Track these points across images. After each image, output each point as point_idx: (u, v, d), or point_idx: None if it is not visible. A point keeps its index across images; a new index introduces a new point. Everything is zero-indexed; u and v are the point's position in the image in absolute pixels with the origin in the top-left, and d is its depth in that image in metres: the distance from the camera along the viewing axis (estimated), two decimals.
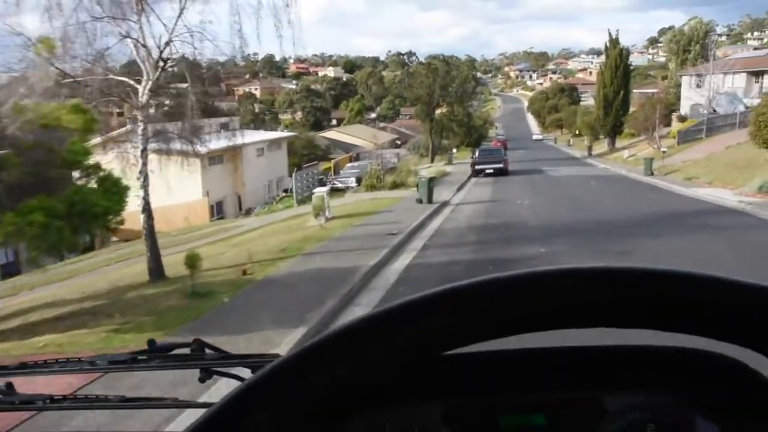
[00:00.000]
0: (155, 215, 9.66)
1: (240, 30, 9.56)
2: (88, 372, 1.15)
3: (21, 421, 2.95)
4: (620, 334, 0.54)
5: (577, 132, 63.37)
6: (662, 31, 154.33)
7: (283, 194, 27.97)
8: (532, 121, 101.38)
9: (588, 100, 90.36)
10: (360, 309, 6.56)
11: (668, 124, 41.28)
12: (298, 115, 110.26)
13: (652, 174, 24.87)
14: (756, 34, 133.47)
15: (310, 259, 9.49)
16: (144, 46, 9.12)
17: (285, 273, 8.69)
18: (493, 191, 21.34)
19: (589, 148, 45.88)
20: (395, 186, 22.67)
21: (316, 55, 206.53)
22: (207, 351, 1.09)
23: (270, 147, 35.94)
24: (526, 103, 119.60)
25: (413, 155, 49.66)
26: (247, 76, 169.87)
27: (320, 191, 14.64)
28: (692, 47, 53.73)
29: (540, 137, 76.02)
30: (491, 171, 28.12)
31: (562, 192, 19.87)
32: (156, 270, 9.18)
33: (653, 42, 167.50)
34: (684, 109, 44.08)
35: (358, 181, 25.84)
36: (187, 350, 1.09)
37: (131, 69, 9.89)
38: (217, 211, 30.24)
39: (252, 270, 8.92)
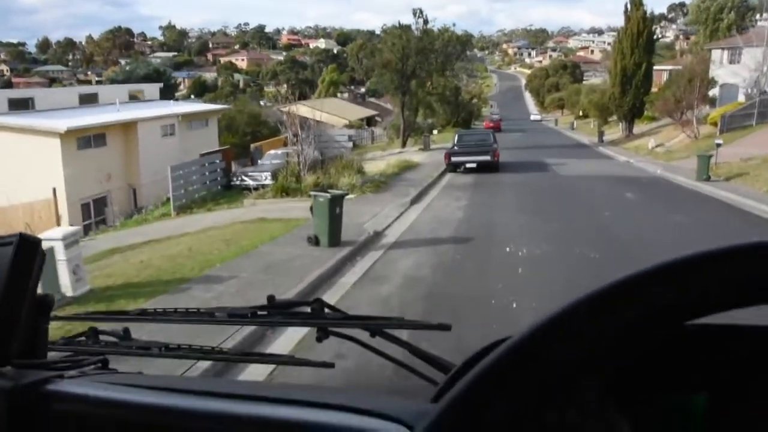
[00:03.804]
0: None
1: None
2: (208, 323, 1.13)
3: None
4: None
5: (581, 113, 55.11)
6: (672, 7, 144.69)
7: (165, 199, 19.35)
8: (530, 100, 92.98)
9: (590, 80, 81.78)
10: None
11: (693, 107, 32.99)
12: (284, 87, 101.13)
13: (708, 178, 16.63)
14: (756, 16, 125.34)
15: None
16: None
17: None
18: (467, 209, 13.04)
19: (601, 134, 37.45)
20: (318, 189, 14.41)
21: (310, 27, 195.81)
22: (326, 311, 1.05)
23: (189, 124, 27.22)
24: (524, 81, 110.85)
25: (389, 136, 41.41)
26: (237, 47, 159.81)
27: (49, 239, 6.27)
28: (725, 16, 45.01)
29: (539, 118, 68.67)
30: (473, 165, 19.87)
31: (584, 219, 11.58)
32: None
33: (660, 19, 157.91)
34: (716, 89, 35.77)
35: (275, 176, 17.52)
36: (306, 309, 1.06)
37: None
38: (95, 212, 21.79)
39: None
